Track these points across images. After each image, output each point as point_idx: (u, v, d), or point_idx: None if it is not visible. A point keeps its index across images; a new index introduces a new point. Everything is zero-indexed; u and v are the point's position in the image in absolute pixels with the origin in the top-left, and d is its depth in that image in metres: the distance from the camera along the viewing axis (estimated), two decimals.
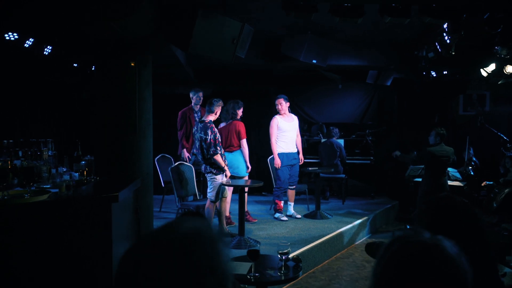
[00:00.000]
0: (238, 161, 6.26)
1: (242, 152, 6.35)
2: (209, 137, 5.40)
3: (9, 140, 3.84)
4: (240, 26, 4.08)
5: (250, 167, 6.27)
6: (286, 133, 6.65)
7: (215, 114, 5.61)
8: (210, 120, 5.56)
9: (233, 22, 4.01)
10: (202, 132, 5.49)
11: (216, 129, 5.56)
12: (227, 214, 6.32)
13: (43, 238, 2.88)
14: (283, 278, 2.90)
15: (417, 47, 6.55)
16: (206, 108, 5.66)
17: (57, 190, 3.19)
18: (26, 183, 3.28)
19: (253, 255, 2.80)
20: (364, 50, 7.02)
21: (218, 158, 5.46)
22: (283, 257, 2.91)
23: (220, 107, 5.65)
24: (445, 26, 4.80)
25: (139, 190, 4.12)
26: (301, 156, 6.88)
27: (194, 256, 0.88)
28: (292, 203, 6.94)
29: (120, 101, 3.93)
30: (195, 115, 6.88)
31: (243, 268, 2.93)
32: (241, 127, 6.28)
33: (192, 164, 6.53)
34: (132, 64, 3.74)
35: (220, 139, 5.58)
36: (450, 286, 0.95)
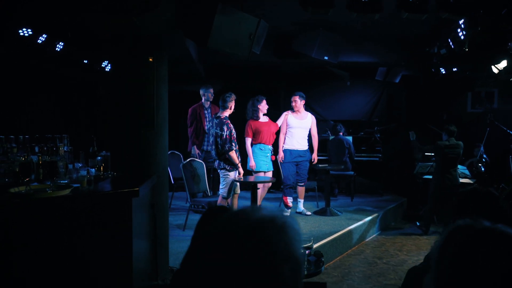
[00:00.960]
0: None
1: (258, 148, 6.37)
2: (225, 133, 5.41)
3: (25, 136, 3.85)
4: (256, 22, 4.07)
5: (252, 164, 6.31)
6: (293, 129, 6.68)
7: (230, 109, 5.65)
8: (226, 116, 5.59)
9: (250, 17, 4.00)
10: (218, 128, 5.51)
11: (232, 125, 5.58)
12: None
13: (65, 232, 2.89)
14: (305, 272, 2.89)
15: (428, 43, 6.53)
16: (220, 104, 5.67)
17: (78, 185, 3.19)
18: (48, 178, 3.27)
19: None
20: (374, 46, 7.01)
21: (232, 154, 5.47)
22: (306, 252, 2.91)
23: (234, 101, 5.68)
24: (460, 22, 4.79)
25: (156, 186, 4.12)
26: (314, 155, 6.88)
27: (269, 244, 0.87)
28: (302, 200, 6.95)
29: (138, 97, 3.91)
30: (205, 111, 6.88)
31: None
32: (247, 125, 6.38)
33: (202, 161, 6.53)
34: (150, 60, 3.73)
35: (235, 136, 5.59)
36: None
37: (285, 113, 6.82)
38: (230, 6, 3.85)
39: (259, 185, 5.97)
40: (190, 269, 0.95)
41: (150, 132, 3.92)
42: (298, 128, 6.70)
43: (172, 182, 7.13)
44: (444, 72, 7.84)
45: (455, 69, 7.63)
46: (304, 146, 6.77)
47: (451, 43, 5.52)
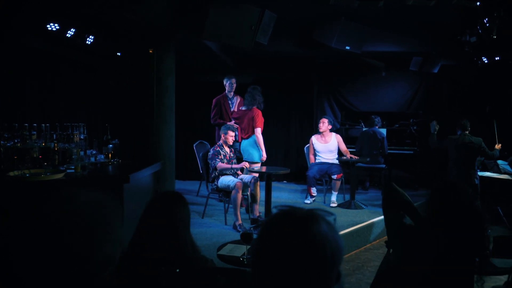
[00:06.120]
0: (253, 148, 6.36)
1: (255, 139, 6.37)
2: None
3: (46, 124, 4.17)
4: (258, 12, 4.08)
5: (265, 156, 6.35)
6: (321, 153, 7.09)
7: None
8: None
9: (250, 8, 4.02)
10: None
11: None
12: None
13: (57, 214, 3.10)
14: None
15: (460, 31, 6.16)
16: None
17: (73, 170, 3.41)
18: (62, 163, 3.54)
19: (246, 238, 2.84)
20: (403, 35, 6.70)
21: None
22: None
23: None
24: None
25: (161, 173, 4.28)
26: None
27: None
28: (335, 193, 6.95)
29: (140, 86, 4.09)
30: (229, 101, 6.94)
31: (239, 251, 2.98)
32: (260, 114, 6.35)
33: None
34: (151, 51, 3.88)
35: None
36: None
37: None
38: None
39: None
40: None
41: (150, 121, 4.08)
42: (324, 152, 7.07)
43: (201, 171, 7.32)
44: (486, 62, 7.37)
45: (498, 58, 7.16)
46: (334, 160, 7.04)
47: (480, 30, 5.17)
